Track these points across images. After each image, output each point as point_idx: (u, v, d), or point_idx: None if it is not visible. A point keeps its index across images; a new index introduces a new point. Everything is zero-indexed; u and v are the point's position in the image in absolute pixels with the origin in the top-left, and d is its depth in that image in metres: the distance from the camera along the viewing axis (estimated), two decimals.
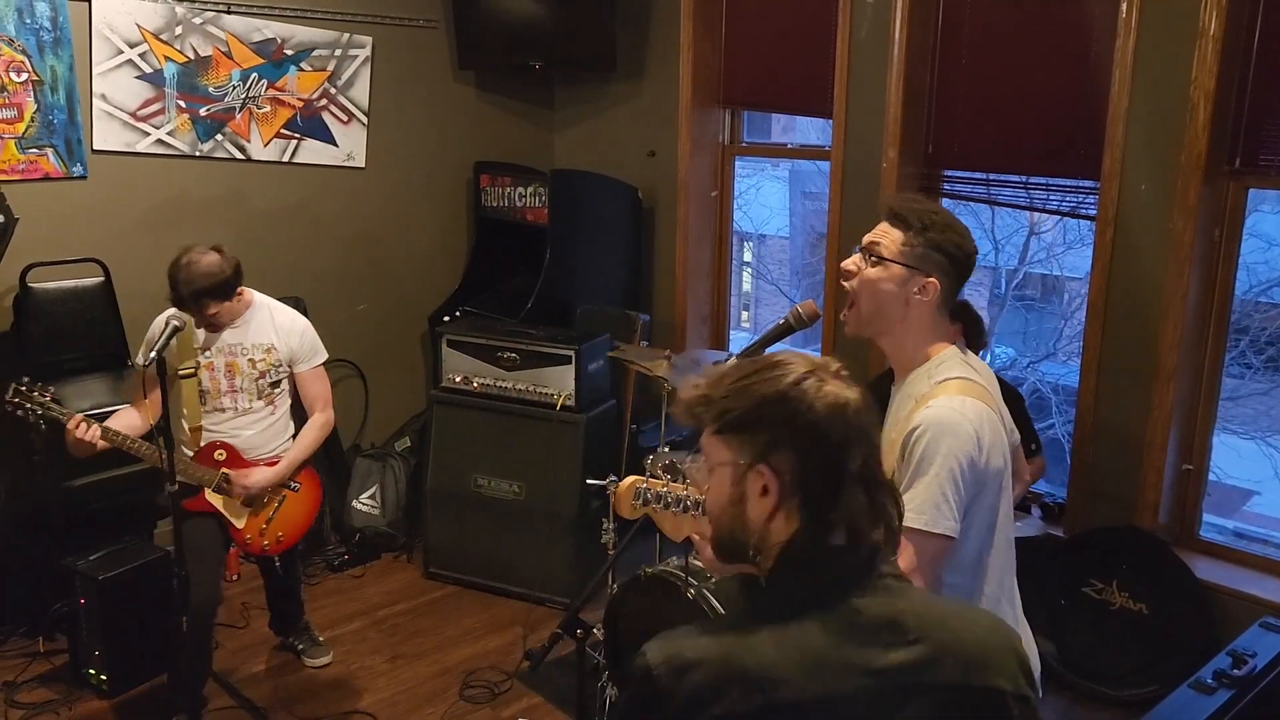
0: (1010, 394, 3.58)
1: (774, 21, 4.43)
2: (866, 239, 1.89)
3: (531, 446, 4.08)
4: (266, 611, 3.79)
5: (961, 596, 1.87)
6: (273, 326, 3.28)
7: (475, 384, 4.19)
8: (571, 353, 4.03)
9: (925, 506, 1.74)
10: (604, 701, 3.22)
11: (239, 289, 3.15)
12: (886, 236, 1.86)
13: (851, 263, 1.90)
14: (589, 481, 3.52)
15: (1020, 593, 1.99)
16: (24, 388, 2.98)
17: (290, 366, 3.32)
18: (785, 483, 1.22)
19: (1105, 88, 3.40)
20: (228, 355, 3.21)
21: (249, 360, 3.23)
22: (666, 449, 3.78)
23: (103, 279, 3.90)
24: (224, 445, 3.22)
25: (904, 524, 1.76)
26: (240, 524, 3.24)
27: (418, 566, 4.40)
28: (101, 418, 3.53)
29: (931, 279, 1.83)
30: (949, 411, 1.76)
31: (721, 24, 4.61)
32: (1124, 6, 3.31)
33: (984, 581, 1.88)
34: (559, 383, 4.06)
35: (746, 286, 9.07)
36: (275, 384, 3.30)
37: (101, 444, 3.00)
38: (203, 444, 3.21)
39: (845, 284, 1.91)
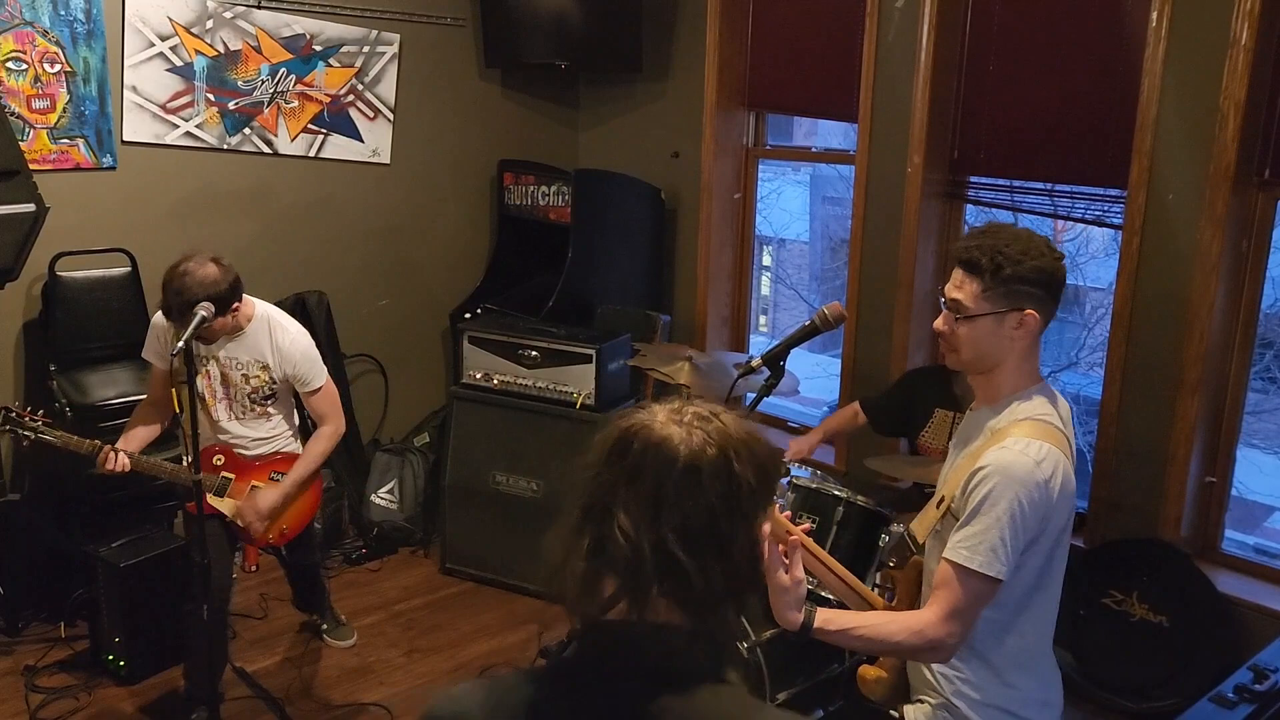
0: None
1: (800, 24, 4.42)
2: (948, 294, 1.86)
3: (550, 445, 4.09)
4: (285, 604, 3.82)
5: (997, 632, 1.87)
6: (270, 345, 3.16)
7: (495, 381, 4.20)
8: (592, 352, 4.04)
9: (982, 548, 1.74)
10: None
11: (235, 304, 3.00)
12: (964, 289, 1.83)
13: (942, 323, 1.89)
14: None
15: None
16: (14, 414, 2.95)
17: (291, 385, 3.24)
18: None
19: (1134, 96, 3.37)
20: (222, 366, 3.15)
21: (242, 375, 3.16)
22: None
23: (129, 269, 3.94)
24: (221, 449, 3.20)
25: (956, 561, 1.77)
26: (243, 522, 3.22)
27: (434, 561, 4.42)
28: (125, 407, 3.57)
29: (1027, 311, 1.81)
30: (1019, 455, 1.76)
31: (747, 26, 4.60)
32: (1154, 15, 3.28)
33: (1023, 620, 1.88)
34: (579, 381, 4.06)
35: (765, 290, 9.06)
36: (267, 398, 3.22)
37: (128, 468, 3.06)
38: (201, 449, 3.19)
39: (942, 342, 1.92)
